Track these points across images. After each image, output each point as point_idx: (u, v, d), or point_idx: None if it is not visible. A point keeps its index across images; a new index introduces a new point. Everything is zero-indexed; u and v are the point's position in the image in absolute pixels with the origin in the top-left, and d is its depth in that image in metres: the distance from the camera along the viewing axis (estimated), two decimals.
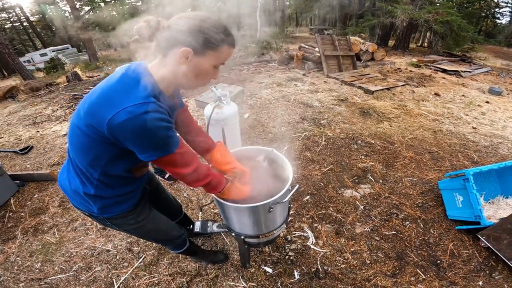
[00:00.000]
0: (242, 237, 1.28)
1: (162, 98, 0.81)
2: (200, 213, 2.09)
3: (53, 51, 18.37)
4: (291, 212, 2.08)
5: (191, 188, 2.42)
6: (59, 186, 1.01)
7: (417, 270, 1.66)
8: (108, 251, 1.87)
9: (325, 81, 5.69)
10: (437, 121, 3.80)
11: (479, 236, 1.71)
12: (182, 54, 0.73)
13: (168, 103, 0.85)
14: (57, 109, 5.05)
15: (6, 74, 17.11)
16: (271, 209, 1.07)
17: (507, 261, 1.57)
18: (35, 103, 5.67)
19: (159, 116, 0.73)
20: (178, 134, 0.86)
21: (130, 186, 0.99)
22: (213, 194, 1.11)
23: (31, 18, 26.76)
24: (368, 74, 6.14)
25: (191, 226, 1.58)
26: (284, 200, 1.10)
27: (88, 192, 0.91)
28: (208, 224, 1.55)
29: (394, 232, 1.93)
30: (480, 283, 1.57)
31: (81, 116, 0.77)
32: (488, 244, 1.66)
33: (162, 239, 1.31)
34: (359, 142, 3.13)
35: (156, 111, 0.72)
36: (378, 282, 1.59)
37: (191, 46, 0.73)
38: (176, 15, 0.77)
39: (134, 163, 0.91)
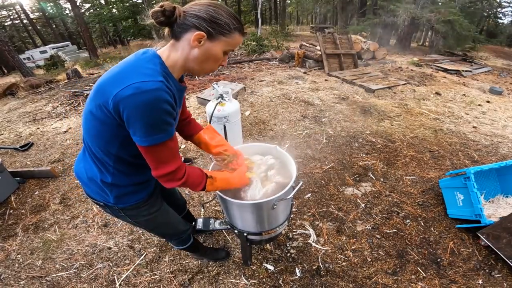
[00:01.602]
0: (245, 234, 1.29)
1: (172, 81, 0.81)
2: (202, 210, 2.10)
3: (53, 49, 18.33)
4: (292, 209, 2.08)
5: None
6: (75, 175, 1.01)
7: (418, 268, 1.67)
8: (110, 248, 1.87)
9: (326, 80, 5.69)
10: (437, 120, 3.80)
11: (479, 235, 1.71)
12: (196, 37, 0.75)
13: (177, 86, 0.86)
14: (58, 106, 5.04)
15: (6, 71, 17.09)
16: (274, 206, 1.07)
17: (506, 260, 1.57)
18: (35, 100, 5.66)
19: (165, 98, 0.72)
20: (175, 129, 0.85)
21: (145, 174, 0.99)
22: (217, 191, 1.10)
23: (31, 16, 26.66)
24: (369, 73, 6.13)
25: (193, 223, 1.58)
26: (288, 197, 1.10)
27: (106, 180, 0.91)
28: (210, 221, 1.55)
29: (395, 230, 1.93)
30: (480, 281, 1.57)
31: (92, 98, 0.78)
32: (488, 243, 1.66)
33: (169, 233, 1.31)
34: (360, 140, 3.13)
35: (163, 91, 0.71)
36: (379, 279, 1.60)
37: (205, 30, 0.75)
38: (190, 2, 0.79)
39: None
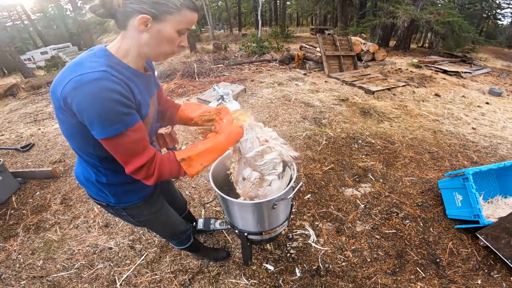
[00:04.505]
0: (245, 234, 1.30)
1: (126, 70, 0.78)
2: (203, 210, 2.11)
3: (53, 50, 18.39)
4: (292, 210, 2.09)
5: (193, 186, 2.43)
6: (76, 179, 1.02)
7: (417, 268, 1.67)
8: (110, 248, 1.88)
9: (326, 81, 5.71)
10: (437, 122, 3.81)
11: (478, 235, 1.73)
12: (140, 21, 0.72)
13: (139, 74, 0.83)
14: None
15: (6, 72, 17.10)
16: (275, 206, 1.09)
17: (505, 260, 1.58)
18: (36, 101, 5.68)
19: (111, 87, 0.68)
20: (139, 118, 0.79)
21: None
22: (216, 190, 1.11)
23: (32, 17, 26.72)
24: (369, 74, 6.16)
25: (194, 223, 1.60)
26: (288, 197, 1.12)
27: (101, 181, 0.92)
28: (211, 222, 1.56)
29: (394, 231, 1.94)
30: (479, 281, 1.58)
31: (53, 103, 0.77)
32: (487, 243, 1.67)
33: (170, 233, 1.32)
34: (360, 141, 3.14)
35: (108, 80, 0.68)
36: (379, 279, 1.61)
37: (149, 12, 0.72)
38: None
39: None
